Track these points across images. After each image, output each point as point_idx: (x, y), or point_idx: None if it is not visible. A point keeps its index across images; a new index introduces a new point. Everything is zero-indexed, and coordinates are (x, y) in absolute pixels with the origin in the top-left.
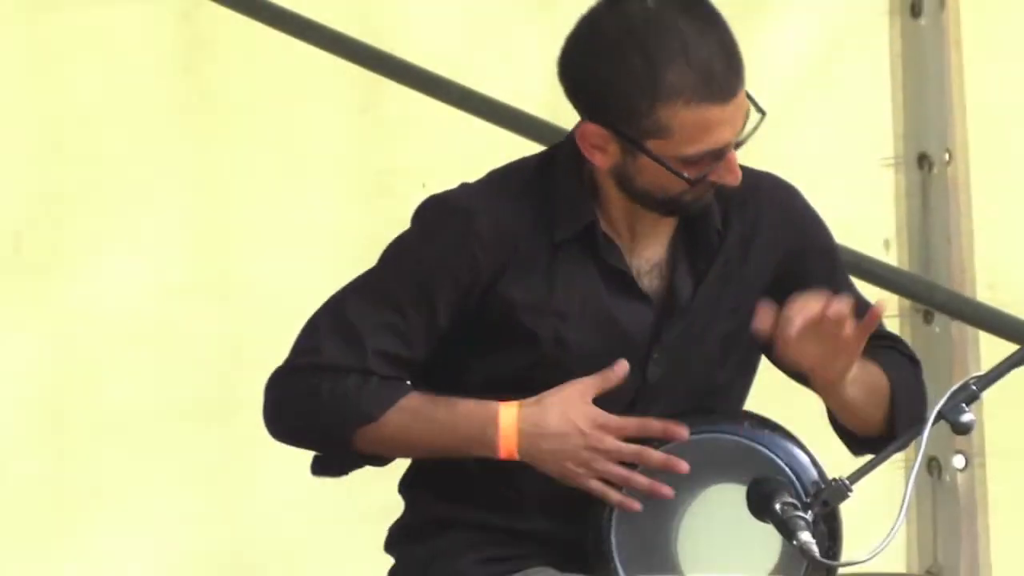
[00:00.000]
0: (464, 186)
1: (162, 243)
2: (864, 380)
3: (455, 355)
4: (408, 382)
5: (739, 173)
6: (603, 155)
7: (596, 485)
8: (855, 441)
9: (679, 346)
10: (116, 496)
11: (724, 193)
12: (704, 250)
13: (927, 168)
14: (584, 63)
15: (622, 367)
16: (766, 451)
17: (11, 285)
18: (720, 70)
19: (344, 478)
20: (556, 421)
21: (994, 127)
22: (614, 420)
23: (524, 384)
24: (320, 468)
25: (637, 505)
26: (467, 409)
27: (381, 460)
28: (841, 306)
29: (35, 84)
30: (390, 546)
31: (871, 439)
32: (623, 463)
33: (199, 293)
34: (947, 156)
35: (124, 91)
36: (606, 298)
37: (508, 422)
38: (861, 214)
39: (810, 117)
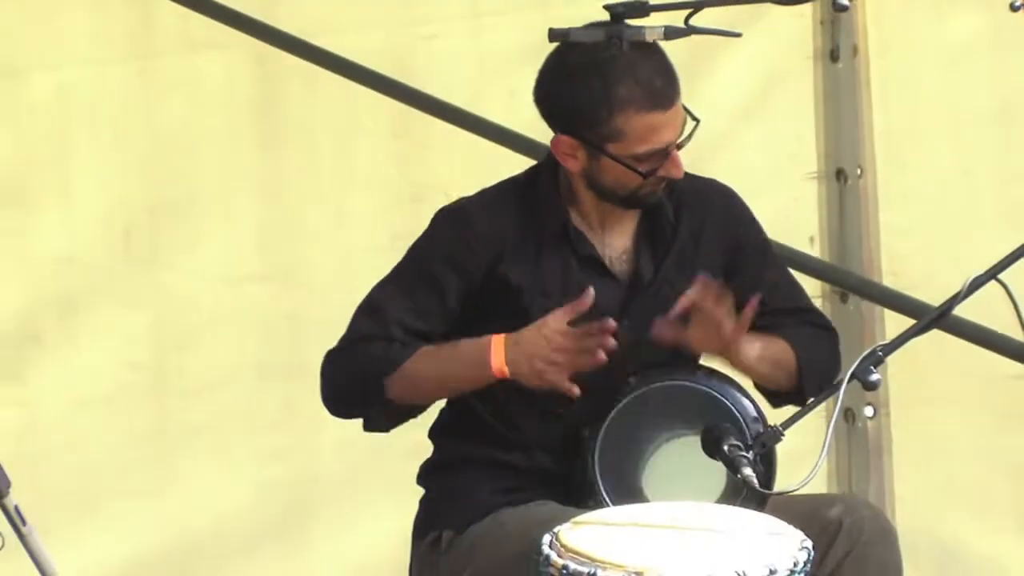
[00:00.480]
0: (465, 197)
1: (240, 240)
2: (771, 357)
3: (466, 328)
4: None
5: (682, 168)
6: (574, 161)
7: (556, 378)
8: (772, 398)
9: (643, 317)
10: (205, 441)
11: (676, 193)
12: (661, 240)
13: (843, 180)
14: (554, 87)
15: (588, 295)
16: (716, 395)
17: (122, 273)
18: (660, 85)
19: None
20: (528, 333)
21: (896, 148)
22: (564, 325)
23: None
24: (370, 426)
25: (576, 391)
26: (467, 342)
27: (416, 410)
28: (701, 294)
29: (142, 114)
30: (421, 479)
31: (785, 397)
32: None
33: (268, 279)
34: (859, 171)
35: (210, 120)
36: (581, 280)
37: (497, 341)
38: (791, 217)
39: (751, 140)
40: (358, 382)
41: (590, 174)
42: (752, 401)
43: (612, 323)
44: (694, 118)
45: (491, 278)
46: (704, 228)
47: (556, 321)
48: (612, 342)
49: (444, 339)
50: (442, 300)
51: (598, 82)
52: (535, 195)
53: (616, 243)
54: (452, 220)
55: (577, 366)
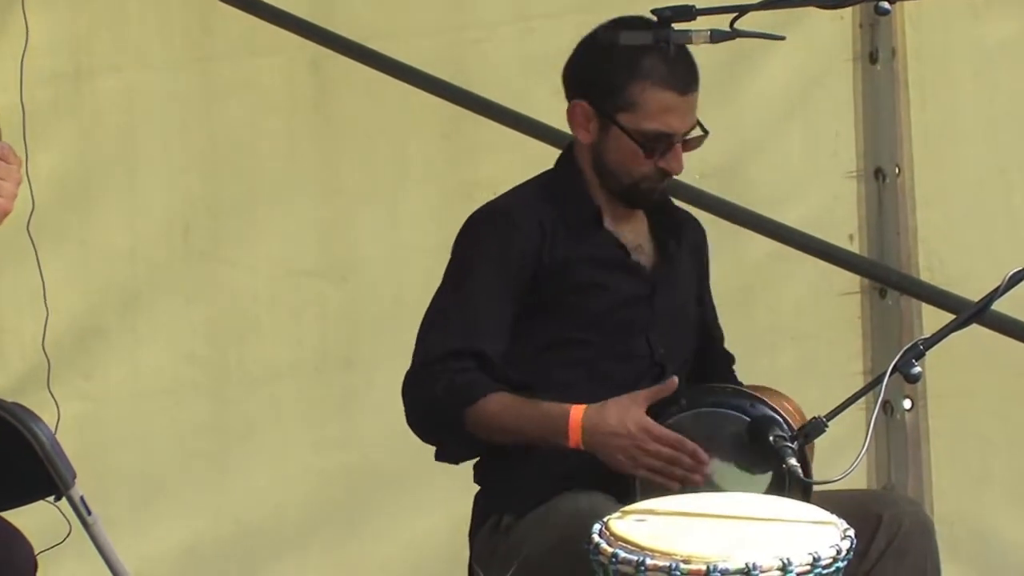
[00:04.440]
0: (497, 199)
1: (297, 236)
2: None
3: (527, 319)
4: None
5: (683, 164)
6: (585, 132)
7: (642, 474)
8: None
9: (664, 306)
10: (262, 432)
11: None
12: (670, 235)
13: (882, 179)
14: (580, 55)
15: (672, 383)
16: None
17: (181, 267)
18: (682, 69)
19: None
20: (613, 422)
21: (933, 147)
22: (656, 428)
23: (577, 340)
24: (442, 456)
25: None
26: (547, 407)
27: (485, 447)
28: None
29: (203, 115)
30: (478, 470)
31: None
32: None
33: (324, 274)
34: (897, 170)
35: (268, 121)
36: (617, 257)
37: (575, 419)
38: (832, 214)
39: (793, 140)
40: (438, 410)
41: (598, 149)
42: (787, 422)
43: (704, 455)
44: (704, 129)
45: (540, 266)
46: (684, 247)
47: (641, 416)
48: (704, 475)
49: (510, 343)
50: (506, 306)
51: (624, 51)
52: (563, 185)
53: (628, 236)
54: (495, 223)
55: (666, 482)
